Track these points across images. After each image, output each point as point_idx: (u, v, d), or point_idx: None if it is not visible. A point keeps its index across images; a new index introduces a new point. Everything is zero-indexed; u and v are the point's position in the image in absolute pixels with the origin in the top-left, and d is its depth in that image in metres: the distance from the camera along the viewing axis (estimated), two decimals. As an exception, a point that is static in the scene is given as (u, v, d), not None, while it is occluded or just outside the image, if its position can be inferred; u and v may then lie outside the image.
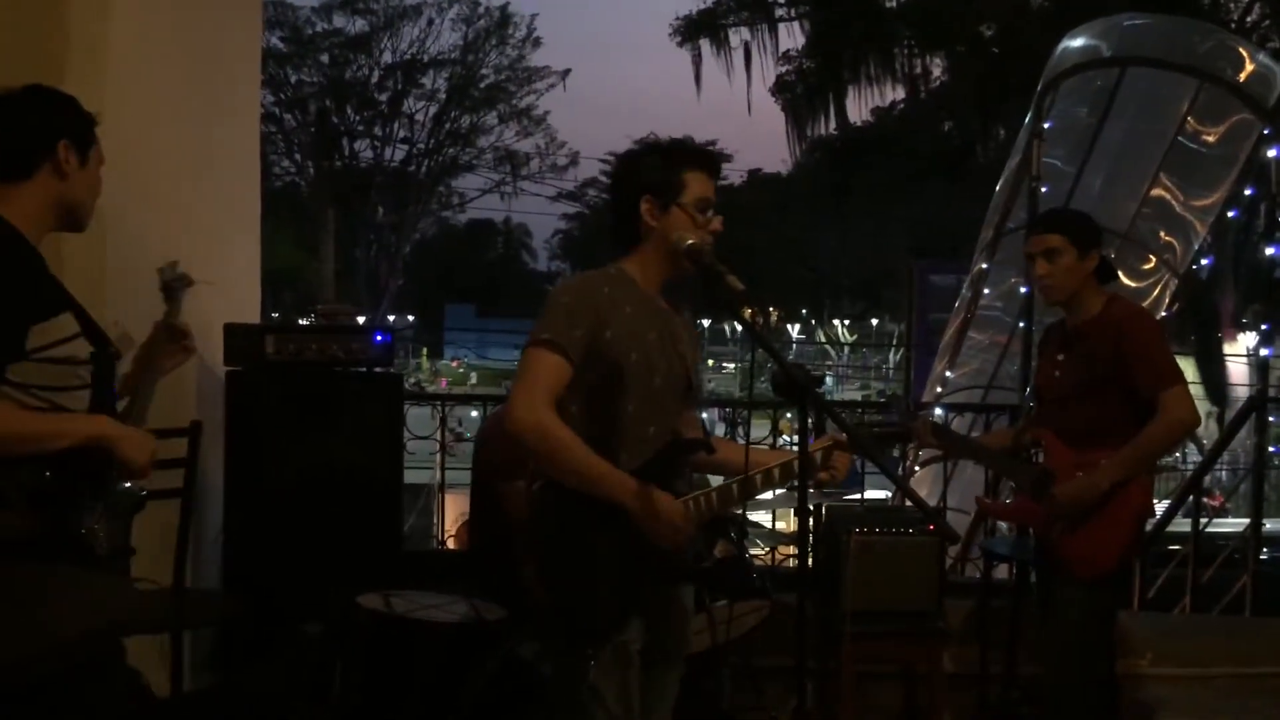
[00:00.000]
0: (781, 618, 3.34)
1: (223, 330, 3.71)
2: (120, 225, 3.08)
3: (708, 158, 2.51)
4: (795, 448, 2.17)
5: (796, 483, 2.21)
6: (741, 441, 3.91)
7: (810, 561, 4.01)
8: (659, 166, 2.46)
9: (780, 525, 4.66)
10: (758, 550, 4.29)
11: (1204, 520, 5.53)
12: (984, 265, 9.09)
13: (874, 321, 35.84)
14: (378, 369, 3.90)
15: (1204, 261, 9.51)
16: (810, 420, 2.19)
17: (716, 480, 2.50)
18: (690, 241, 2.34)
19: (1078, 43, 9.04)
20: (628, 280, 2.46)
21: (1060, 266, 3.23)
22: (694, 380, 2.52)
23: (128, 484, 2.35)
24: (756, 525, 3.85)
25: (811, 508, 3.86)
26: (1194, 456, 7.38)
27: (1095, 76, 8.60)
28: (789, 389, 2.05)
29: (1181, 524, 5.59)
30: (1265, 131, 8.35)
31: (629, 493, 2.27)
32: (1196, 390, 14.92)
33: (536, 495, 2.40)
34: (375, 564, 3.63)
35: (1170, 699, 4.00)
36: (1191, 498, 5.47)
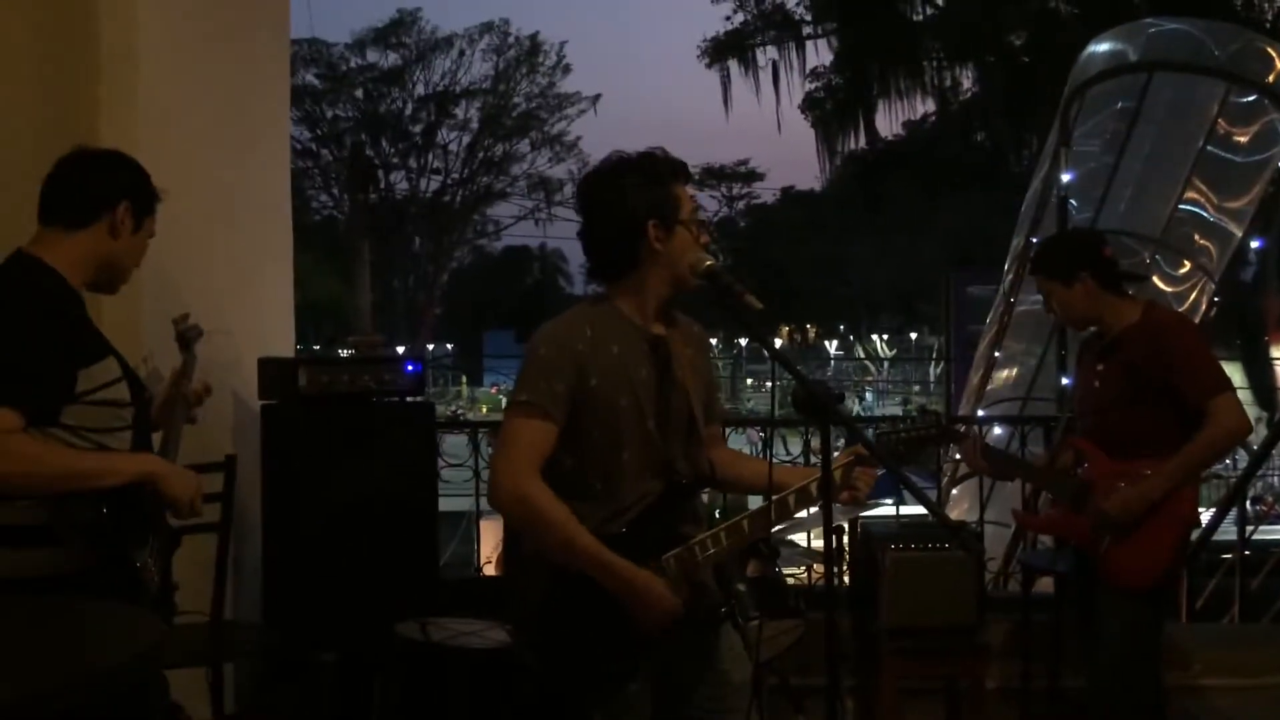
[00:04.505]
0: (818, 637, 3.32)
1: (257, 364, 3.76)
2: (155, 267, 3.13)
3: (685, 168, 2.35)
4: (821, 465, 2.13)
5: (819, 506, 2.13)
6: (775, 460, 3.90)
7: (847, 579, 4.00)
8: (651, 185, 2.28)
9: (817, 544, 4.64)
10: (794, 569, 4.26)
11: (1250, 527, 5.44)
12: (1013, 276, 9.03)
13: (913, 335, 35.59)
14: (410, 398, 3.94)
15: (1247, 264, 9.38)
16: (842, 440, 2.15)
17: (755, 500, 2.42)
18: (709, 263, 2.24)
19: (1104, 48, 8.98)
20: (614, 314, 2.31)
21: (1056, 303, 3.27)
22: (697, 409, 2.34)
23: (172, 519, 2.41)
24: (792, 544, 3.83)
25: (846, 524, 3.87)
26: (1243, 462, 7.26)
27: (1122, 81, 8.54)
28: (809, 407, 2.05)
29: (1229, 531, 5.50)
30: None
31: (618, 580, 2.17)
32: (1244, 395, 14.69)
33: (526, 559, 2.30)
34: (413, 592, 3.65)
35: (1220, 709, 3.94)
36: (1237, 505, 5.38)
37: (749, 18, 24.38)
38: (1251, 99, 8.27)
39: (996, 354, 9.19)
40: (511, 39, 30.26)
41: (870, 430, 2.94)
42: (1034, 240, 8.55)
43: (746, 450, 3.81)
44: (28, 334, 2.20)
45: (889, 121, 23.73)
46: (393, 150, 30.53)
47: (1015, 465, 3.68)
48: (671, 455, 2.32)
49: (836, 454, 2.29)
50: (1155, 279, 7.88)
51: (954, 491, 7.21)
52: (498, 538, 4.70)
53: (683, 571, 2.24)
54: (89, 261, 2.36)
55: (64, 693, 1.47)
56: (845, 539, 3.94)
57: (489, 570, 5.08)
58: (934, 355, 31.30)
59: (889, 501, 4.34)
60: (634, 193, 2.28)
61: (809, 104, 24.49)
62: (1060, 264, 3.25)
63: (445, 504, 4.18)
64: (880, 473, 2.44)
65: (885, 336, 36.74)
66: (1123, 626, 3.16)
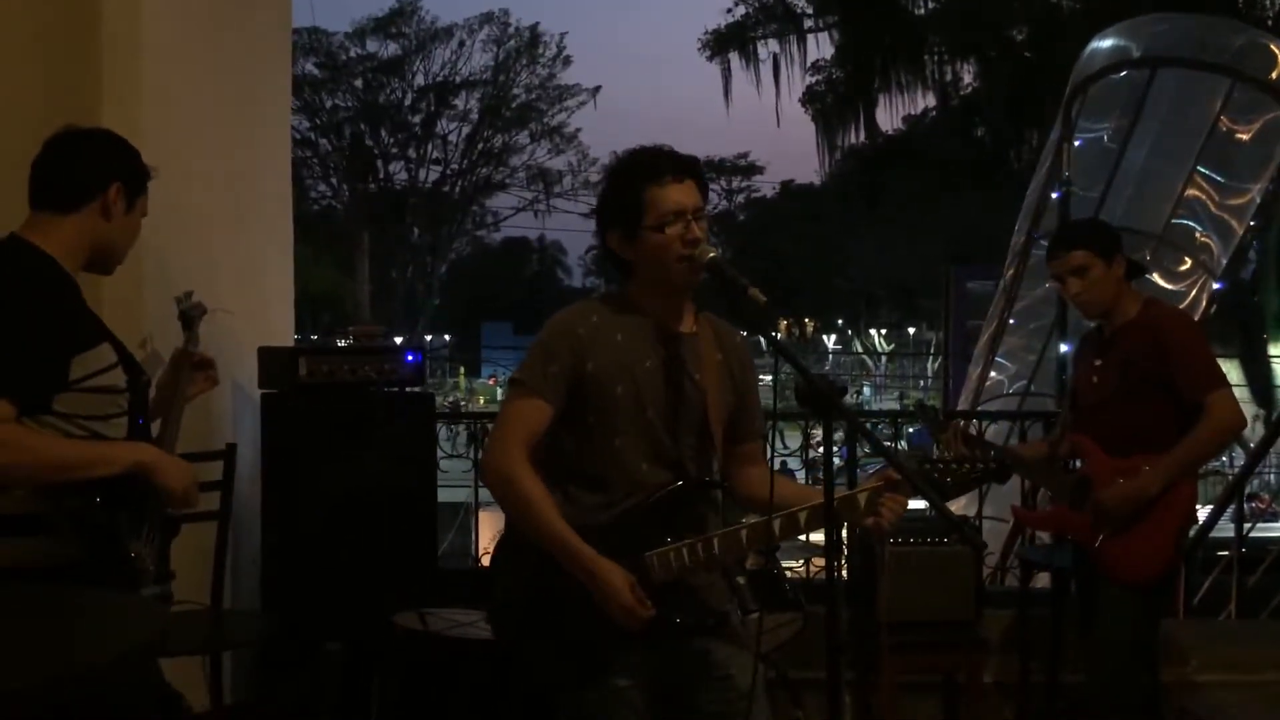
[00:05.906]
0: (817, 630, 3.32)
1: (257, 353, 3.76)
2: (157, 254, 3.13)
3: (669, 164, 2.28)
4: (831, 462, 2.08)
5: (827, 524, 2.06)
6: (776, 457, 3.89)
7: (844, 573, 4.01)
8: (616, 193, 2.31)
9: (816, 538, 4.64)
10: (793, 563, 4.26)
11: (1248, 524, 5.44)
12: (1014, 272, 9.04)
13: (911, 330, 35.58)
14: (410, 388, 3.94)
15: (1246, 261, 9.42)
16: (841, 432, 2.12)
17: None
18: (711, 254, 2.23)
19: (1107, 44, 8.97)
20: (628, 305, 2.33)
21: (1091, 280, 3.22)
22: (713, 412, 2.30)
23: (167, 509, 2.40)
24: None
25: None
26: (1241, 460, 7.26)
27: (1125, 77, 8.53)
28: (813, 401, 2.04)
29: (1226, 528, 5.51)
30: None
31: (580, 569, 2.16)
32: (1241, 393, 14.71)
33: (517, 545, 2.30)
34: (411, 582, 3.65)
35: (1216, 705, 3.94)
36: (1235, 502, 5.39)
37: (750, 11, 24.39)
38: (1254, 96, 8.26)
39: (996, 349, 9.20)
40: (511, 30, 30.22)
41: (915, 456, 2.85)
42: (1035, 236, 8.55)
43: None
44: (19, 321, 2.17)
45: (889, 116, 23.75)
46: (392, 140, 30.47)
47: (1008, 459, 3.67)
48: (679, 449, 2.32)
49: (839, 461, 2.26)
50: (1155, 276, 7.89)
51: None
52: (496, 528, 4.70)
53: (665, 573, 2.22)
54: (82, 244, 2.33)
55: (62, 684, 1.46)
56: (844, 532, 3.94)
57: (487, 561, 5.08)
58: (932, 350, 31.31)
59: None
60: (606, 201, 2.34)
61: (809, 98, 24.50)
62: (1108, 239, 3.25)
63: (442, 495, 4.18)
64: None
65: (884, 331, 36.72)
66: (1121, 622, 3.17)
